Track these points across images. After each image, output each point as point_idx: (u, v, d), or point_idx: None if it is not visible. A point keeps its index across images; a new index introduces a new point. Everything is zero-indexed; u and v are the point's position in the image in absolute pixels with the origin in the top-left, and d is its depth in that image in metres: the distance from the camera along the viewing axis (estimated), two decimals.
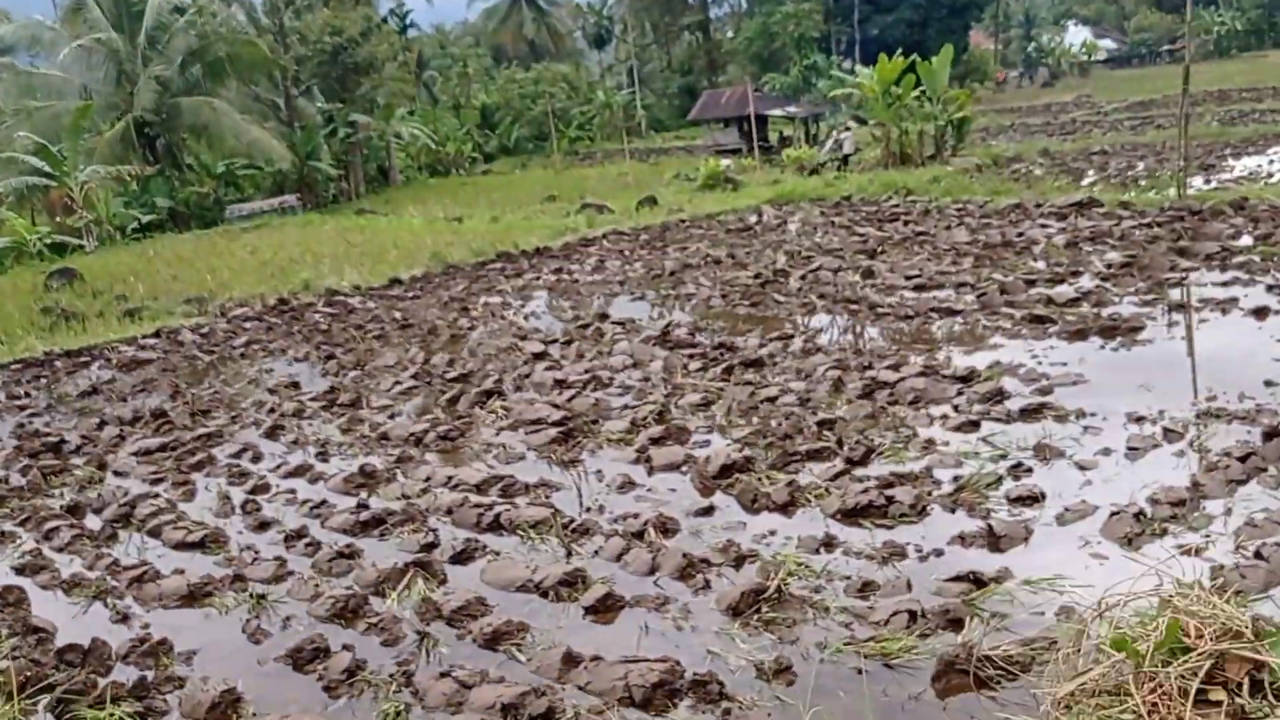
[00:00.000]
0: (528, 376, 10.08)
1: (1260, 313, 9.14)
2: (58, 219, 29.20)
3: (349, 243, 22.13)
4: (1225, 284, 10.28)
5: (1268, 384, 7.25)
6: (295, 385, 10.93)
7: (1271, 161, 22.09)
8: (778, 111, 40.34)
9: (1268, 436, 6.23)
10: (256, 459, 8.75)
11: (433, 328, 12.84)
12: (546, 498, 7.06)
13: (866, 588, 5.24)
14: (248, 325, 14.58)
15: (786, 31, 51.41)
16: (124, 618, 6.03)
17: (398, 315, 13.87)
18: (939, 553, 5.56)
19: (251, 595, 6.08)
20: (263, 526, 7.19)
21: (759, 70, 51.93)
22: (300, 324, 14.27)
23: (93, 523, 7.72)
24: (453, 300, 14.55)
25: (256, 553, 6.72)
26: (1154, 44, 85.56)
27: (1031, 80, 74.83)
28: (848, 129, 33.29)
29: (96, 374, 12.69)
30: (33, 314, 16.71)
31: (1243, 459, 5.95)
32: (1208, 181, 18.95)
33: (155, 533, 7.28)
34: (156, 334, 14.39)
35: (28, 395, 12.01)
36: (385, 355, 11.64)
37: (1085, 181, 20.70)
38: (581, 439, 8.15)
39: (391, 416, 9.40)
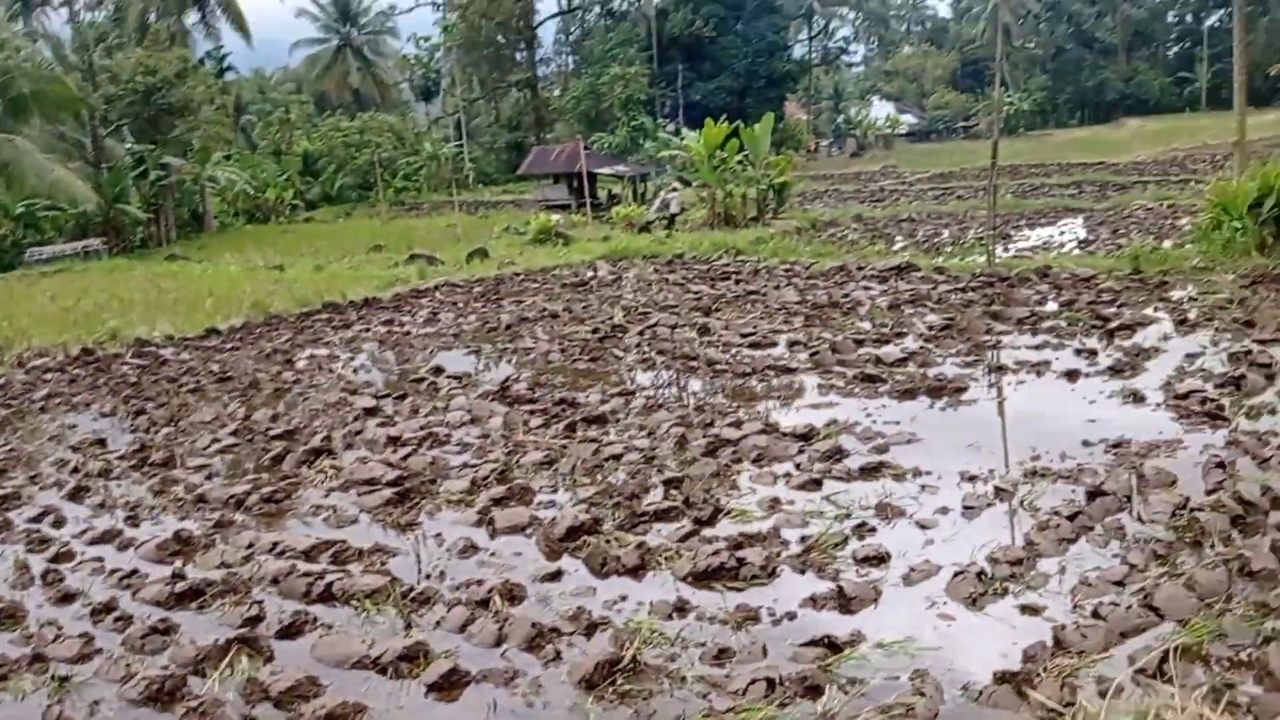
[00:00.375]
0: (359, 433, 9.65)
1: (1071, 375, 9.67)
2: None
3: (160, 290, 20.95)
4: (1037, 347, 10.86)
5: (1085, 444, 7.63)
6: (101, 443, 10.11)
7: (1062, 232, 23.74)
8: (607, 170, 40.91)
9: (1091, 496, 6.52)
10: (59, 523, 8.00)
11: (254, 381, 12.18)
12: (382, 564, 6.69)
13: (722, 655, 5.14)
14: (48, 377, 13.48)
15: (614, 93, 52.38)
16: None
17: (215, 367, 13.10)
18: (792, 615, 5.53)
19: (53, 677, 5.49)
20: (66, 599, 6.54)
21: (586, 129, 52.64)
22: (107, 376, 13.29)
23: None
24: (276, 352, 13.88)
25: (59, 629, 6.09)
26: (950, 120, 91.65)
27: (841, 150, 78.59)
28: (675, 189, 34.04)
29: None
30: None
31: (1071, 518, 6.20)
32: (1006, 250, 20.19)
33: None
34: None
35: None
36: (202, 410, 10.95)
37: (896, 246, 21.70)
38: (419, 500, 7.81)
39: (209, 477, 8.80)
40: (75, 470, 9.27)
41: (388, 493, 7.86)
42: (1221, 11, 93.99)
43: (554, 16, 74.19)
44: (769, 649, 5.16)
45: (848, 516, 6.73)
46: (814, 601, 5.64)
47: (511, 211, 43.01)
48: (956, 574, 5.71)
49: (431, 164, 58.41)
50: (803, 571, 6.05)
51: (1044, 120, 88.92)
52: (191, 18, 55.10)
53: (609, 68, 55.87)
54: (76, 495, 8.64)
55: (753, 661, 5.07)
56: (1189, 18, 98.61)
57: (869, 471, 7.48)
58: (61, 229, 36.92)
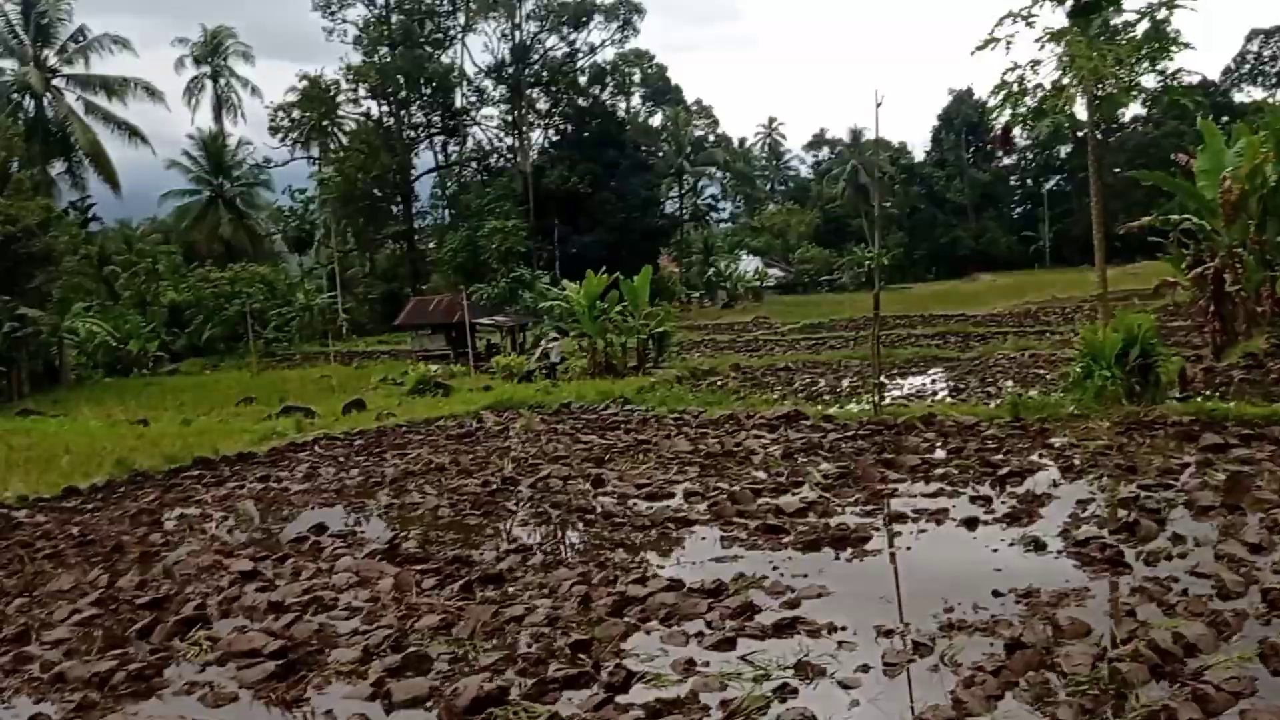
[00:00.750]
0: (236, 599, 8.97)
1: (971, 523, 9.72)
2: None
3: (10, 446, 19.61)
4: (933, 495, 10.95)
5: (995, 594, 7.60)
6: None
7: (934, 380, 24.59)
8: (486, 320, 40.97)
9: (1010, 649, 6.44)
10: None
11: (118, 544, 11.29)
12: None
13: None
14: None
15: (492, 245, 52.97)
16: None
17: (75, 531, 12.14)
18: None
19: None
20: None
21: (464, 280, 52.88)
22: None
23: None
24: (142, 512, 12.97)
25: None
26: (815, 274, 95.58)
27: (712, 301, 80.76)
28: (555, 339, 34.24)
29: None
30: None
31: (994, 673, 6.09)
32: (882, 398, 20.73)
33: None
34: None
35: None
36: (60, 578, 10.04)
37: (775, 395, 22.04)
38: (305, 672, 7.22)
39: (68, 653, 8.00)
40: None
41: (270, 665, 7.25)
42: (1059, 176, 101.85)
43: (430, 172, 75.42)
44: None
45: (767, 677, 6.47)
46: None
47: (388, 362, 42.43)
48: None
49: (304, 315, 57.55)
50: None
51: (902, 275, 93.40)
52: (57, 167, 53.89)
53: (486, 221, 56.63)
54: None
55: None
56: (1029, 181, 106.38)
57: (783, 628, 7.26)
58: None
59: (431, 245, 71.86)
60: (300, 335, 56.43)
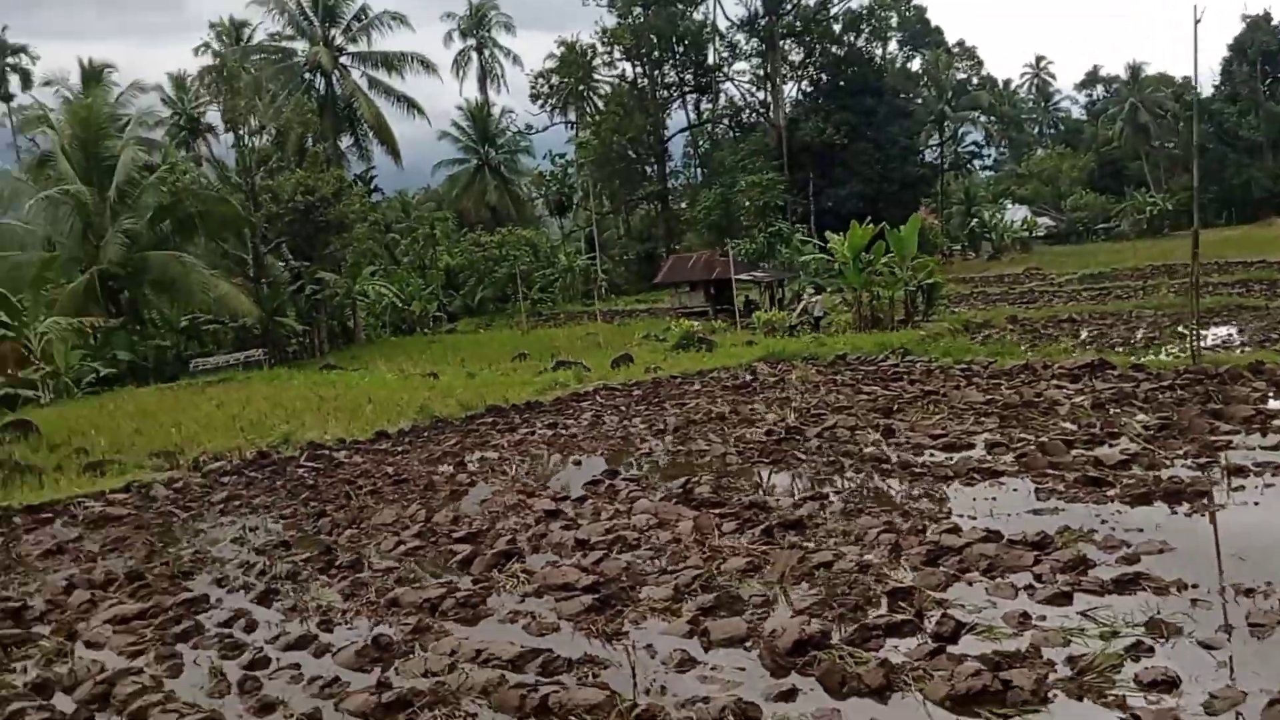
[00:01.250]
0: (544, 536, 9.28)
1: None
2: (9, 370, 28.07)
3: (320, 397, 21.32)
4: (1273, 448, 9.87)
5: None
6: (285, 545, 9.98)
7: (1241, 330, 22.37)
8: (745, 276, 40.74)
9: None
10: (250, 628, 7.79)
11: (430, 483, 12.00)
12: (595, 677, 6.22)
13: None
14: (225, 480, 13.61)
15: (751, 200, 52.63)
16: None
17: (389, 470, 13.01)
18: None
19: None
20: (266, 709, 6.25)
21: (716, 239, 52.93)
22: (283, 479, 13.34)
23: (64, 704, 6.70)
24: (446, 455, 13.74)
25: None
26: (1089, 222, 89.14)
27: (976, 253, 77.14)
28: (817, 293, 33.64)
29: (60, 531, 11.62)
30: None
31: None
32: (1199, 345, 19.02)
33: (139, 716, 6.29)
34: (126, 489, 13.33)
35: None
36: (382, 513, 10.75)
37: (1063, 346, 20.67)
38: (620, 608, 7.34)
39: (398, 580, 8.52)
40: (262, 573, 9.12)
41: (586, 599, 7.42)
42: None
43: (683, 131, 75.78)
44: None
45: (1115, 635, 5.98)
46: None
47: (648, 320, 43.15)
48: (1271, 702, 4.92)
49: (566, 275, 59.59)
50: (1080, 697, 5.34)
51: (1189, 220, 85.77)
52: (345, 141, 57.96)
53: (739, 178, 56.35)
54: (265, 599, 8.45)
55: None
56: None
57: (1124, 584, 6.70)
58: (221, 341, 38.53)
59: (684, 205, 72.36)
60: (563, 295, 58.50)
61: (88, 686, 6.78)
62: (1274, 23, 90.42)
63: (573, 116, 74.03)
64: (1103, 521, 8.09)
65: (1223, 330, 22.92)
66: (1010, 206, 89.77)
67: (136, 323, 34.93)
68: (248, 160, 39.98)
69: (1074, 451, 10.24)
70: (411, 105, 59.24)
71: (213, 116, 51.21)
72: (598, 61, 70.19)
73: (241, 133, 40.56)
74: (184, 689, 6.70)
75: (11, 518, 12.30)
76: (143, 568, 9.58)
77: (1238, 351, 17.24)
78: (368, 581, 8.53)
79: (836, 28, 68.39)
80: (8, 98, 65.81)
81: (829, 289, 33.95)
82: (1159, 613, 6.17)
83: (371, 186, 63.40)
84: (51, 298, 32.20)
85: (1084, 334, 23.79)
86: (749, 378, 18.55)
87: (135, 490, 13.25)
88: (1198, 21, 14.34)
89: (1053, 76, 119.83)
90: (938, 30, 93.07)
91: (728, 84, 73.34)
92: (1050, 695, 5.36)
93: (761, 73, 71.32)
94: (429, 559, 9.09)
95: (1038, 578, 7.00)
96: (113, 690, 6.67)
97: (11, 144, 62.32)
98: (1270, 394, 12.37)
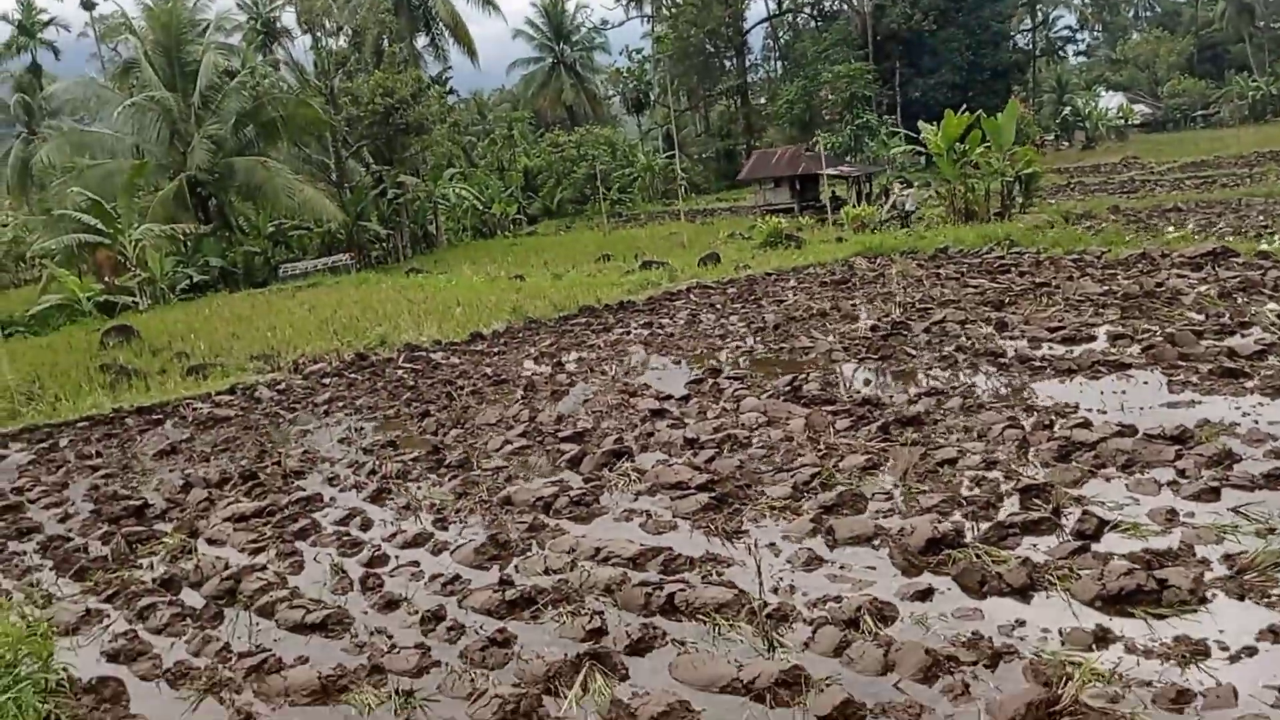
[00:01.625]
0: (651, 435, 9.14)
1: None
2: (106, 278, 28.76)
3: (409, 300, 21.41)
4: None
5: None
6: (393, 444, 10.02)
7: None
8: (832, 171, 39.67)
9: None
10: (365, 526, 7.84)
11: (530, 383, 11.93)
12: (719, 575, 6.09)
13: (1181, 698, 4.24)
14: (326, 381, 13.73)
15: (837, 92, 50.99)
16: (247, 718, 5.08)
17: (488, 371, 12.98)
18: (1250, 651, 4.55)
19: (397, 692, 5.13)
20: (390, 606, 6.25)
21: (799, 133, 51.55)
22: (383, 380, 13.41)
23: (192, 599, 6.81)
24: (543, 355, 13.66)
25: (390, 638, 5.78)
26: (1188, 109, 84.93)
27: (1070, 143, 74.25)
28: (907, 187, 32.64)
29: (171, 432, 11.85)
30: (91, 371, 15.99)
31: None
32: None
33: (266, 611, 6.36)
34: (231, 390, 13.55)
35: (99, 455, 11.16)
36: (486, 412, 10.72)
37: (1171, 236, 19.73)
38: (737, 506, 7.18)
39: (509, 479, 8.47)
40: (372, 472, 9.16)
41: (702, 498, 7.28)
42: None
43: (762, 22, 73.53)
44: (1238, 691, 4.21)
45: (1272, 532, 5.64)
46: (1274, 634, 4.63)
47: (730, 218, 42.44)
48: None
49: (645, 175, 58.78)
50: (1241, 597, 5.04)
51: None
52: (421, 41, 57.37)
53: (822, 70, 54.61)
54: (378, 498, 8.50)
55: (1223, 707, 4.15)
56: None
57: (1276, 479, 6.32)
58: (306, 247, 38.94)
59: (765, 99, 70.58)
60: (642, 195, 57.81)
61: (214, 582, 6.88)
62: None
63: (649, 10, 72.23)
64: (1244, 414, 7.65)
65: None
66: (1104, 94, 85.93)
67: (225, 229, 35.42)
68: (325, 63, 39.78)
69: (1204, 342, 9.72)
70: (487, 2, 58.25)
71: (288, 19, 50.89)
72: None
73: (318, 34, 40.31)
74: (307, 585, 6.75)
75: (124, 419, 12.58)
76: (255, 467, 9.70)
77: None
78: (478, 480, 8.51)
79: None
80: (89, 5, 66.28)
81: (917, 183, 32.90)
82: None
83: (447, 88, 62.92)
84: (143, 205, 32.71)
85: (1191, 223, 22.66)
86: (847, 273, 18.07)
87: (240, 392, 13.45)
88: None
89: None
90: None
91: None
92: (1209, 595, 5.08)
93: None
94: (537, 458, 9.03)
95: (1181, 473, 6.65)
96: (239, 586, 6.76)
97: (95, 53, 63.08)
98: None
